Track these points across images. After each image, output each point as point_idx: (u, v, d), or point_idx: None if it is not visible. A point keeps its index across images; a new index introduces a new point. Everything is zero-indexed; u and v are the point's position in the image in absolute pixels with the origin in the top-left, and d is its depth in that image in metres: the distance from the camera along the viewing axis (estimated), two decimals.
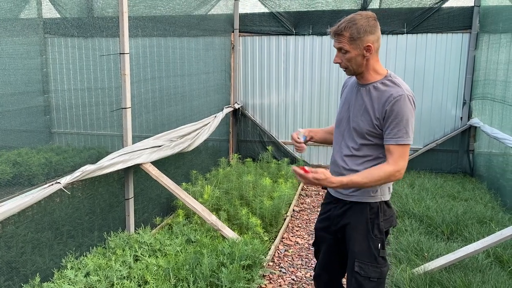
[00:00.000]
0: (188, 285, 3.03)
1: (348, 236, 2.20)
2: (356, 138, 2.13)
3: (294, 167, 2.06)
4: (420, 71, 6.48)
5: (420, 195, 5.13)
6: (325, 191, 2.41)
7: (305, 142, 2.40)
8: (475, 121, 6.12)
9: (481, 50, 6.10)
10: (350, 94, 2.22)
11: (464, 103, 6.43)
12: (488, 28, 5.90)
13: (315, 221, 2.51)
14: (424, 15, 6.29)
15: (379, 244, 2.14)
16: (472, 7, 6.20)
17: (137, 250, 3.47)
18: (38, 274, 2.96)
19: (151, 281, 3.02)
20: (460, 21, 6.25)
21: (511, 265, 3.45)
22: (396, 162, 1.99)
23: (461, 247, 3.48)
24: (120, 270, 3.11)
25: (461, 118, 6.48)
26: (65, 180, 2.97)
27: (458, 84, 6.42)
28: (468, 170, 6.48)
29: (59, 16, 3.85)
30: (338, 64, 2.14)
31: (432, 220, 4.37)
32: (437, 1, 6.24)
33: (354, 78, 2.27)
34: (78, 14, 3.94)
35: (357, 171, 2.10)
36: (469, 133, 6.44)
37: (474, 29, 6.20)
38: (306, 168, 1.99)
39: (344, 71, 2.15)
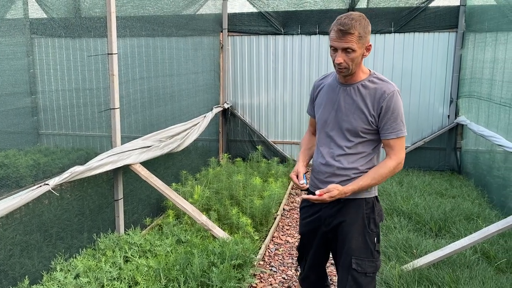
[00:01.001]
0: (179, 285, 3.03)
1: (343, 233, 2.20)
2: (350, 137, 2.15)
3: (306, 196, 2.14)
4: (407, 70, 6.54)
5: (408, 193, 5.18)
6: None
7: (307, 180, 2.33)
8: (462, 119, 6.20)
9: (467, 49, 6.18)
10: (333, 95, 2.22)
11: (451, 102, 6.51)
12: (474, 27, 5.98)
13: (298, 223, 2.50)
14: (411, 14, 6.36)
15: (375, 238, 2.18)
16: (458, 6, 6.28)
17: (127, 251, 3.45)
18: (27, 276, 2.93)
19: (141, 282, 3.01)
20: (446, 20, 6.33)
21: (498, 261, 3.51)
22: (397, 155, 2.10)
23: (449, 243, 3.53)
24: (110, 272, 3.10)
25: (448, 116, 6.56)
26: (54, 181, 2.95)
27: (445, 82, 6.49)
28: (456, 167, 6.56)
29: (46, 16, 3.82)
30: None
31: (421, 217, 4.42)
32: (423, 0, 6.31)
33: (330, 79, 2.28)
34: (65, 14, 3.91)
35: (353, 168, 2.15)
36: (456, 131, 6.52)
37: (460, 28, 6.28)
38: (317, 192, 2.09)
39: (341, 70, 2.09)
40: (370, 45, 2.08)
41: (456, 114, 6.50)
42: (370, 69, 2.18)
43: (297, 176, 2.26)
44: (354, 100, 2.13)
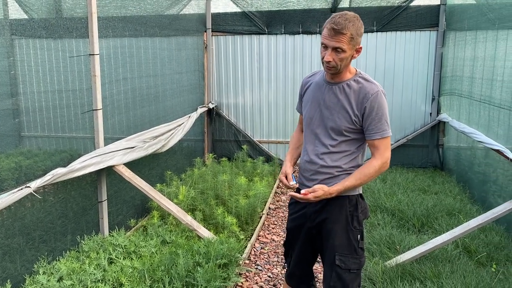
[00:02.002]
0: (164, 286, 3.03)
1: (327, 230, 2.22)
2: (334, 135, 2.17)
3: (292, 193, 2.16)
4: (390, 69, 6.62)
5: (392, 190, 5.25)
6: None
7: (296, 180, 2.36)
8: (443, 116, 6.29)
9: (448, 47, 6.28)
10: (319, 93, 2.24)
11: (433, 99, 6.60)
12: (454, 26, 6.08)
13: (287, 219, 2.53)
14: (393, 13, 6.44)
15: (359, 236, 2.20)
16: (439, 5, 6.37)
17: (112, 252, 3.44)
18: (9, 280, 2.90)
19: (126, 283, 3.00)
20: (427, 19, 6.42)
21: (478, 255, 3.58)
22: (382, 155, 2.11)
23: (431, 239, 3.58)
24: (94, 274, 3.08)
25: (431, 113, 6.65)
26: (35, 184, 2.92)
27: (427, 80, 6.59)
28: (438, 164, 6.66)
29: (26, 17, 3.77)
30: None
31: (404, 213, 4.48)
32: None
33: (318, 77, 2.31)
34: (46, 14, 3.87)
35: (336, 166, 2.17)
36: (439, 128, 6.62)
37: (441, 27, 6.38)
38: (303, 191, 2.10)
39: (329, 69, 2.10)
40: (361, 47, 2.09)
41: (438, 112, 6.60)
42: (357, 69, 2.20)
43: (286, 177, 2.29)
44: (339, 99, 2.15)
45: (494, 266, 3.41)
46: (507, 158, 3.78)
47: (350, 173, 2.17)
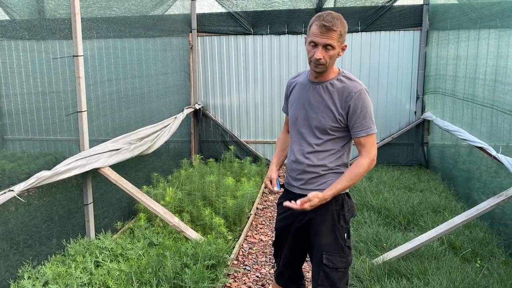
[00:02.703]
0: None
1: (314, 230, 2.23)
2: (319, 134, 2.19)
3: (288, 204, 2.13)
4: (375, 68, 6.68)
5: (378, 188, 5.29)
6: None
7: (282, 186, 2.36)
8: (428, 114, 6.37)
9: (431, 47, 6.36)
10: (303, 93, 2.26)
11: (417, 98, 6.68)
12: (437, 25, 6.16)
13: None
14: (377, 13, 6.49)
15: (345, 234, 2.22)
16: (422, 5, 6.45)
17: (98, 256, 3.40)
18: None
19: (113, 286, 2.97)
20: (411, 18, 6.50)
21: (463, 251, 3.63)
22: (369, 153, 2.14)
23: (417, 236, 3.62)
24: (80, 277, 3.05)
25: (415, 112, 6.73)
26: (19, 187, 2.88)
27: (411, 79, 6.67)
28: (423, 162, 6.74)
29: (7, 18, 3.71)
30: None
31: (390, 211, 4.52)
32: None
33: (302, 77, 2.33)
34: (28, 15, 3.81)
35: (322, 165, 2.19)
36: (423, 126, 6.70)
37: (424, 26, 6.46)
38: (298, 201, 2.10)
39: (318, 67, 2.11)
40: (346, 46, 2.13)
41: (423, 110, 6.69)
42: (339, 68, 2.23)
43: (271, 182, 2.31)
44: (323, 99, 2.17)
45: (479, 261, 3.47)
46: (490, 155, 3.85)
47: (336, 172, 2.19)
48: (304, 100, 2.24)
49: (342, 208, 2.22)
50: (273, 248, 2.57)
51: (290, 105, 2.36)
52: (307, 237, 2.30)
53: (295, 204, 2.11)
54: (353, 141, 2.23)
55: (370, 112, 2.13)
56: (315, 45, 2.07)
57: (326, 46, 2.05)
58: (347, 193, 2.27)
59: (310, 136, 2.21)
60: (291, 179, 2.31)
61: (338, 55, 2.11)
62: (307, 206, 2.09)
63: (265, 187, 5.96)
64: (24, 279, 3.00)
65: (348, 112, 2.12)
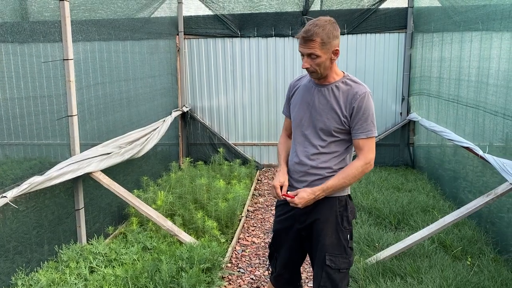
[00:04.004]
0: None
1: (317, 231, 2.25)
2: (323, 136, 2.21)
3: (279, 194, 2.21)
4: (361, 70, 6.77)
5: (367, 188, 5.36)
6: None
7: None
8: (413, 115, 6.48)
9: (416, 49, 6.48)
10: (308, 95, 2.28)
11: (403, 99, 6.79)
12: (421, 28, 6.27)
13: (272, 221, 2.54)
14: (362, 16, 6.58)
15: (348, 235, 2.25)
16: (406, 8, 6.57)
17: (92, 261, 3.36)
18: None
19: None
20: (396, 21, 6.61)
21: (454, 249, 3.71)
22: (365, 156, 2.16)
23: (408, 235, 3.68)
24: (75, 283, 3.01)
25: (401, 113, 6.84)
26: (12, 193, 2.83)
27: (397, 81, 6.77)
28: (410, 162, 6.85)
29: None
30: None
31: (380, 211, 4.58)
32: (374, 2, 6.55)
33: (306, 80, 2.35)
34: (11, 18, 3.74)
35: (326, 167, 2.21)
36: (409, 127, 6.81)
37: (409, 29, 6.57)
38: (289, 193, 2.18)
39: (311, 74, 2.18)
40: (338, 50, 2.13)
41: (408, 111, 6.80)
42: (344, 71, 2.26)
43: (281, 188, 2.27)
44: (328, 101, 2.20)
45: (469, 259, 3.55)
46: (477, 155, 3.94)
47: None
48: (308, 102, 2.27)
49: (346, 209, 2.25)
50: (267, 250, 2.57)
51: (292, 107, 2.38)
52: (308, 238, 2.32)
53: (289, 198, 2.16)
54: None
55: (372, 115, 2.16)
56: (302, 54, 2.14)
57: (310, 55, 2.10)
58: (349, 195, 2.30)
59: (314, 138, 2.23)
60: (293, 181, 2.32)
61: (331, 60, 2.13)
62: (296, 200, 2.13)
63: (251, 182, 5.97)
64: (18, 286, 2.94)
65: (352, 113, 2.15)
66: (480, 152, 3.87)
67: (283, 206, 2.40)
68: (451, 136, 4.68)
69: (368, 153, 2.17)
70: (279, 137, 2.62)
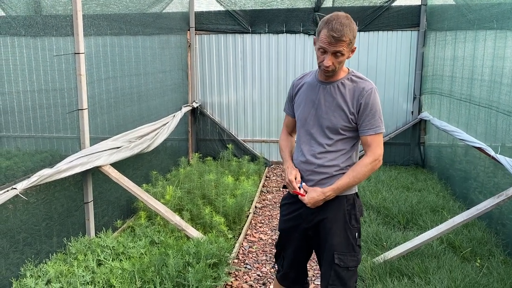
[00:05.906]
0: (155, 287, 3.00)
1: (325, 230, 2.23)
2: (330, 134, 2.19)
3: (296, 188, 2.23)
4: (372, 68, 6.71)
5: (376, 187, 5.32)
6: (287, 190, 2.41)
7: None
8: (425, 114, 6.42)
9: (428, 47, 6.40)
10: (312, 93, 2.25)
11: (414, 98, 6.72)
12: (434, 26, 6.20)
13: (278, 220, 2.53)
14: (375, 13, 6.52)
15: (356, 233, 2.23)
16: (420, 5, 6.49)
17: (100, 254, 3.39)
18: None
19: (116, 285, 2.96)
20: (409, 19, 6.53)
21: (463, 250, 3.67)
22: (373, 152, 2.14)
23: (417, 235, 3.65)
24: (83, 276, 3.03)
25: (412, 112, 6.78)
26: (22, 185, 2.86)
27: (409, 79, 6.71)
28: (420, 161, 6.79)
29: (3, 14, 3.67)
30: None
31: (389, 210, 4.55)
32: None
33: (310, 77, 2.32)
34: (25, 12, 3.77)
35: (334, 165, 2.19)
36: (420, 126, 6.74)
37: (422, 27, 6.50)
38: (301, 191, 2.20)
39: (328, 72, 2.12)
40: (355, 48, 2.13)
41: (420, 110, 6.73)
42: (349, 68, 2.23)
43: (296, 178, 2.26)
44: (334, 98, 2.17)
45: (478, 261, 3.51)
46: (489, 155, 3.88)
47: (346, 172, 2.20)
48: (313, 100, 2.24)
49: (354, 207, 2.23)
50: (274, 248, 2.56)
51: (296, 106, 2.36)
52: (316, 238, 2.30)
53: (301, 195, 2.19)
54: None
55: (379, 111, 2.14)
56: (324, 51, 2.07)
57: (335, 53, 2.05)
58: (356, 193, 2.28)
59: (320, 136, 2.21)
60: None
61: (348, 57, 2.12)
62: (306, 200, 2.16)
63: (260, 178, 5.96)
64: (27, 277, 2.98)
65: (359, 110, 2.12)
66: (492, 153, 3.82)
67: (288, 205, 2.39)
68: (463, 136, 4.62)
69: (377, 149, 2.15)
70: (280, 134, 2.60)
